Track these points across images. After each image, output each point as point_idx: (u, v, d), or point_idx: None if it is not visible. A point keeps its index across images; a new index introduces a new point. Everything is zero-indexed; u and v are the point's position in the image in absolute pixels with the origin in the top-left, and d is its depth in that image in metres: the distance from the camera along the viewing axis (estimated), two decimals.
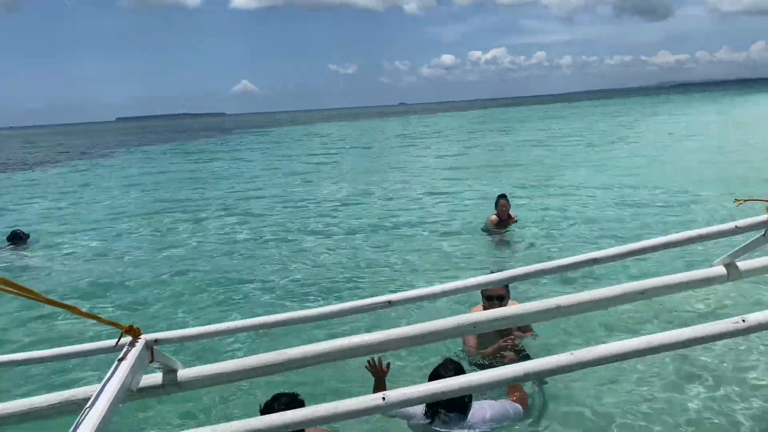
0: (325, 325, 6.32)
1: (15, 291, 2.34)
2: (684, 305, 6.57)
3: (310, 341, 2.64)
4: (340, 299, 7.83)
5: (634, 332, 5.89)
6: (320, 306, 2.75)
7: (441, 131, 53.37)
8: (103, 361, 5.76)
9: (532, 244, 10.06)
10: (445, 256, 9.85)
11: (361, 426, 4.42)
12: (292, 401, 3.57)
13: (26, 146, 71.33)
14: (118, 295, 8.93)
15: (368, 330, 4.64)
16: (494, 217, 11.15)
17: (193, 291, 8.78)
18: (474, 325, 2.88)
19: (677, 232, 2.31)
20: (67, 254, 11.63)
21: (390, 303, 2.77)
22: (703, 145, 24.64)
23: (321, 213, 14.40)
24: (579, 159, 22.43)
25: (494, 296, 5.24)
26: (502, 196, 11.18)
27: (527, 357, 5.50)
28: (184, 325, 6.90)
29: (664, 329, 1.75)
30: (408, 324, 2.88)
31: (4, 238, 11.71)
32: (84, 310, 2.60)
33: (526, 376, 1.80)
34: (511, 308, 2.83)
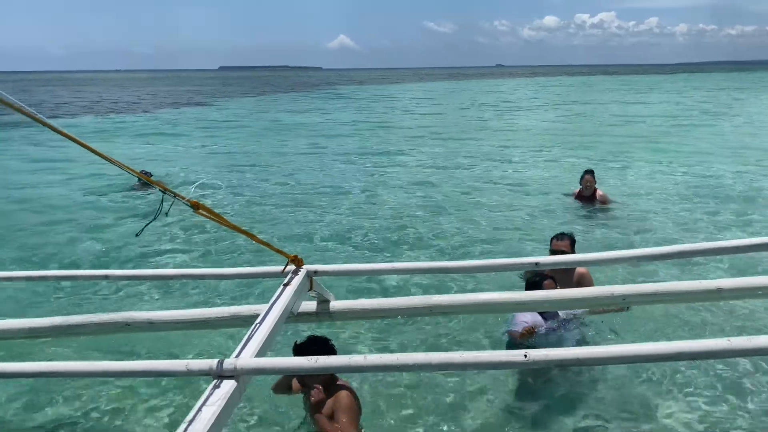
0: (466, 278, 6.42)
1: (209, 216, 2.70)
2: None
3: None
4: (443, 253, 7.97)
5: None
6: (453, 260, 2.86)
7: (539, 96, 50.78)
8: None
9: (616, 225, 9.47)
10: (528, 222, 9.76)
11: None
12: (325, 346, 3.63)
13: (134, 88, 75.97)
14: (264, 227, 9.52)
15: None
16: (577, 191, 10.76)
17: (343, 230, 9.23)
18: (623, 297, 2.85)
19: None
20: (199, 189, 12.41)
21: (537, 264, 2.83)
22: None
23: (422, 175, 14.34)
24: (687, 140, 20.11)
25: (558, 251, 5.62)
26: (588, 172, 10.54)
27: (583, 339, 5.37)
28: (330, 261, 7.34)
29: None
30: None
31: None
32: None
33: (679, 355, 1.80)
34: (667, 284, 2.74)
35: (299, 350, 3.59)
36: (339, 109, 39.15)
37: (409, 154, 17.51)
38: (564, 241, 5.78)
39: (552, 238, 5.93)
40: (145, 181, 2.43)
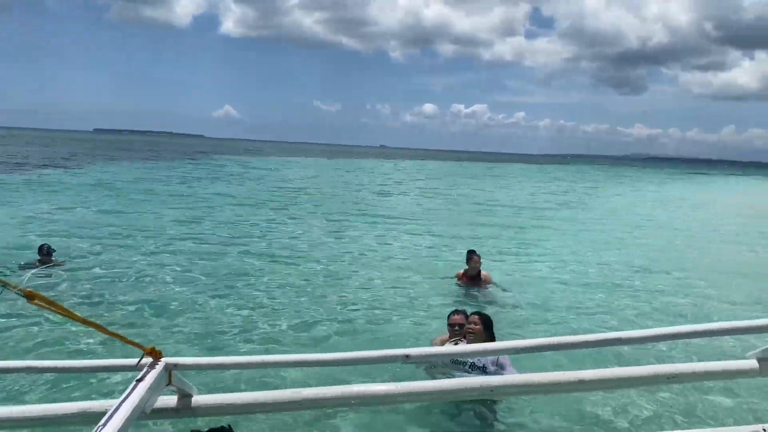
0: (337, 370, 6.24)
1: (48, 306, 2.40)
2: (709, 396, 6.03)
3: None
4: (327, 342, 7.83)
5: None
6: (335, 352, 2.73)
7: (417, 177, 54.74)
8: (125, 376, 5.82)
9: (501, 307, 9.91)
10: (413, 302, 9.95)
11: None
12: None
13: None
14: (132, 314, 8.83)
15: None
16: (462, 272, 10.89)
17: (208, 315, 8.75)
18: (491, 389, 2.82)
19: (711, 322, 2.26)
20: (84, 269, 11.42)
21: (408, 357, 2.75)
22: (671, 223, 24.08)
23: (297, 255, 14.19)
24: (556, 224, 21.94)
25: (456, 324, 6.35)
26: (473, 252, 10.90)
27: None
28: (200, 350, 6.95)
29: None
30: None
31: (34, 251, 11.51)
32: (109, 329, 2.64)
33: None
34: (533, 375, 2.76)
35: None
36: (212, 180, 38.68)
37: (284, 232, 17.39)
38: (460, 315, 6.46)
39: (450, 314, 6.59)
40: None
